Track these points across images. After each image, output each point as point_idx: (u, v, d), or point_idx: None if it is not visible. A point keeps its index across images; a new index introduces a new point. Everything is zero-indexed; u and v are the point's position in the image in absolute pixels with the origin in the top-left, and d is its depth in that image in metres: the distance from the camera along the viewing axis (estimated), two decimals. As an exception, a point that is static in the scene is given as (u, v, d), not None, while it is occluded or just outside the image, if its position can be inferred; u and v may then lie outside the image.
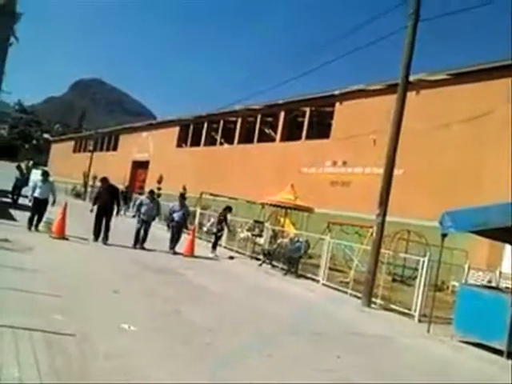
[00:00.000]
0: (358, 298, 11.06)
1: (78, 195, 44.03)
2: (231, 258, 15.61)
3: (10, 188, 21.28)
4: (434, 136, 18.87)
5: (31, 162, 53.31)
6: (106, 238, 12.95)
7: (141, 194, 37.39)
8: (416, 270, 11.52)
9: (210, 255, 15.16)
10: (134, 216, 14.22)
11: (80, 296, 6.84)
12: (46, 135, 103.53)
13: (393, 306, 10.57)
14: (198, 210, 22.39)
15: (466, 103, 18.28)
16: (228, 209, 16.76)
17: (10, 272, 7.27)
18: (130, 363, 4.53)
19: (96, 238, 13.00)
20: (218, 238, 16.18)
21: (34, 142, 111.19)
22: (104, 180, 13.99)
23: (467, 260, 13.56)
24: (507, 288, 9.83)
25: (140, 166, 46.16)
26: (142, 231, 13.51)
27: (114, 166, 46.19)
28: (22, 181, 21.64)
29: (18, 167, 22.49)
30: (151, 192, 14.57)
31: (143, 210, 13.68)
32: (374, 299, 10.80)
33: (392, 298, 11.11)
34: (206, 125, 37.61)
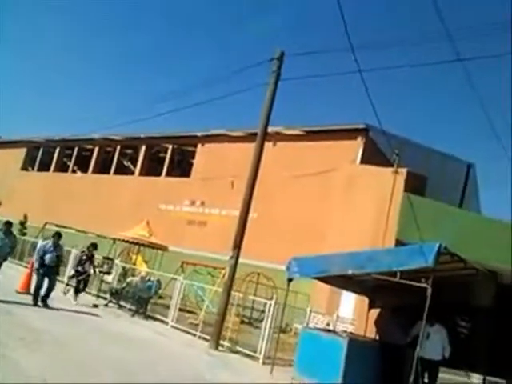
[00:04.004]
0: (207, 340, 10.98)
1: None
2: (96, 306, 13.34)
3: None
4: (288, 185, 20.23)
5: None
6: None
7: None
8: (263, 312, 11.90)
9: (74, 302, 12.88)
10: None
11: None
12: None
13: (239, 349, 10.70)
14: (40, 242, 20.35)
15: (316, 159, 20.07)
16: (93, 246, 14.02)
17: None
18: None
19: None
20: (79, 282, 13.38)
21: None
22: None
23: (309, 304, 14.47)
24: (344, 331, 10.65)
25: (-26, 188, 40.79)
26: None
27: None
28: None
29: None
30: (8, 223, 11.45)
31: None
32: (222, 341, 10.82)
33: (240, 340, 11.25)
34: (58, 150, 35.07)
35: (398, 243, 13.98)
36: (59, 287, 13.12)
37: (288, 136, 21.63)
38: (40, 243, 12.70)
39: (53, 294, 11.53)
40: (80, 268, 13.45)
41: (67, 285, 14.28)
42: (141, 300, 13.58)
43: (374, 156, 19.22)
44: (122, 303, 14.25)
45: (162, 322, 12.83)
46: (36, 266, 11.73)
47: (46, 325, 9.16)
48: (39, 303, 11.11)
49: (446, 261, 7.63)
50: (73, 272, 13.81)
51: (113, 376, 6.55)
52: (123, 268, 16.55)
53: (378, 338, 9.84)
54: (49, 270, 11.46)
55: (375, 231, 15.47)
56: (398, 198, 15.67)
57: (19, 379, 5.40)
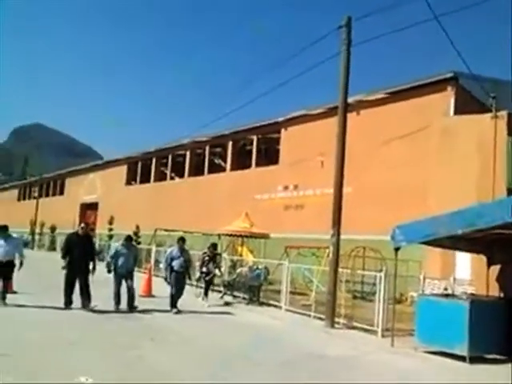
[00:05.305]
0: (322, 319, 11.04)
1: (25, 244, 42.10)
2: (227, 303, 13.64)
3: None
4: (379, 153, 19.53)
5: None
6: (88, 300, 10.39)
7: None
8: (374, 285, 11.67)
9: (204, 303, 12.76)
10: (109, 270, 11.05)
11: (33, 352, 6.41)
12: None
13: (356, 324, 10.61)
14: (154, 248, 21.93)
15: (405, 119, 19.12)
16: (213, 246, 13.89)
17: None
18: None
19: (69, 302, 10.38)
20: (207, 282, 13.39)
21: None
22: (86, 226, 11.67)
23: (422, 270, 13.91)
24: (464, 293, 10.10)
25: (89, 208, 44.89)
26: (120, 289, 10.93)
27: (61, 211, 44.84)
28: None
29: None
30: (129, 238, 11.59)
31: (120, 262, 10.92)
32: (336, 319, 10.81)
33: (354, 315, 11.15)
34: (154, 160, 37.25)
35: (511, 192, 12.88)
36: (190, 290, 13.51)
37: (371, 102, 20.84)
38: (167, 250, 12.94)
39: (184, 297, 11.73)
40: (205, 269, 13.44)
41: (197, 287, 14.67)
42: (252, 288, 14.06)
43: (468, 104, 17.87)
44: (235, 294, 14.83)
45: (276, 306, 13.13)
46: (165, 273, 11.93)
47: (174, 325, 9.84)
48: (170, 309, 11.23)
49: None
50: (198, 274, 13.97)
51: (236, 360, 6.87)
52: (231, 260, 17.19)
53: (502, 295, 9.18)
54: (178, 276, 11.47)
55: (482, 184, 14.39)
56: (502, 143, 14.42)
57: (155, 377, 5.89)
